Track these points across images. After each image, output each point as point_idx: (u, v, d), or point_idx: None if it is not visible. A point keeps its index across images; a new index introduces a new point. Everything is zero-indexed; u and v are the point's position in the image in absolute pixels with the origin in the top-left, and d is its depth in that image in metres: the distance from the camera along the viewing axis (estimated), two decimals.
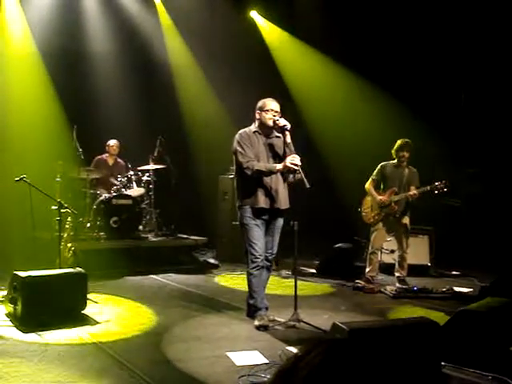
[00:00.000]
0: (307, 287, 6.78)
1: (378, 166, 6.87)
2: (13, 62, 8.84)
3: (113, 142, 8.77)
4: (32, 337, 4.40)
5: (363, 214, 6.91)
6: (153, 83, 10.14)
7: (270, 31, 10.80)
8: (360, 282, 6.77)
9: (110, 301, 5.85)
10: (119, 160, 8.86)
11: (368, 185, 6.87)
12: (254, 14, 10.77)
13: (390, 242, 7.31)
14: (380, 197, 6.72)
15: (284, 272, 7.62)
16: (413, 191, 6.58)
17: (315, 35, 9.95)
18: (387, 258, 7.56)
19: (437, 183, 6.46)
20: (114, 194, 8.07)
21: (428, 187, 6.52)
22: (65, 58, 9.32)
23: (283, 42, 10.66)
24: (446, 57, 9.09)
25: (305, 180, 4.62)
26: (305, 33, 10.18)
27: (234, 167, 5.10)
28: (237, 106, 9.03)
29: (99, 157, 8.75)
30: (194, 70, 10.29)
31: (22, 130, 8.56)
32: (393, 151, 6.77)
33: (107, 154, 8.80)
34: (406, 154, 6.70)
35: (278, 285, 6.76)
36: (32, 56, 9.08)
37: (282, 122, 4.91)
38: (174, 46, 10.38)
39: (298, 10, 10.18)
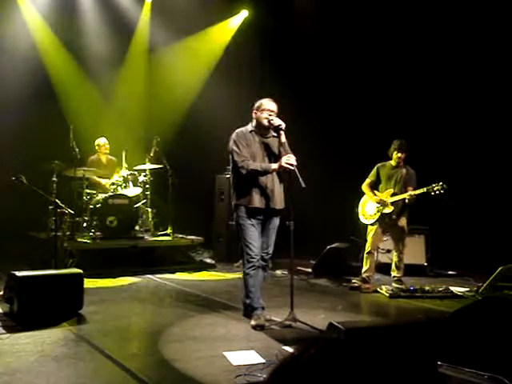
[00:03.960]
0: (303, 287, 6.78)
1: (375, 167, 6.88)
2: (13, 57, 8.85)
3: (103, 141, 8.72)
4: (28, 337, 4.39)
5: (360, 214, 6.92)
6: (150, 82, 10.14)
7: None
8: (356, 282, 6.78)
9: (106, 301, 5.84)
10: (111, 157, 8.83)
11: (365, 185, 6.88)
12: (244, 14, 10.76)
13: (387, 242, 7.32)
14: (377, 197, 6.72)
15: (280, 272, 7.63)
16: (409, 192, 6.58)
17: None
18: (383, 258, 7.57)
19: (434, 184, 6.46)
20: (111, 193, 8.05)
21: (425, 188, 6.51)
22: (61, 56, 9.33)
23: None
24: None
25: (300, 180, 4.63)
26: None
27: (230, 166, 5.10)
28: (232, 104, 9.03)
29: (93, 157, 8.70)
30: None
31: (20, 129, 8.55)
32: (389, 152, 6.78)
33: (98, 153, 8.75)
34: (403, 155, 6.71)
35: (274, 284, 6.76)
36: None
37: (277, 121, 4.90)
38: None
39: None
